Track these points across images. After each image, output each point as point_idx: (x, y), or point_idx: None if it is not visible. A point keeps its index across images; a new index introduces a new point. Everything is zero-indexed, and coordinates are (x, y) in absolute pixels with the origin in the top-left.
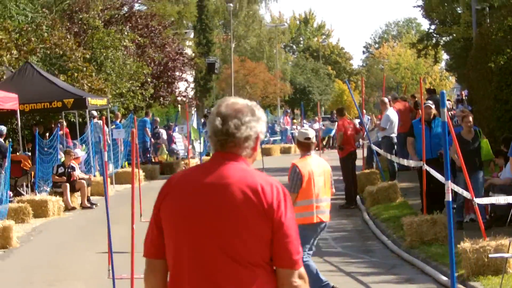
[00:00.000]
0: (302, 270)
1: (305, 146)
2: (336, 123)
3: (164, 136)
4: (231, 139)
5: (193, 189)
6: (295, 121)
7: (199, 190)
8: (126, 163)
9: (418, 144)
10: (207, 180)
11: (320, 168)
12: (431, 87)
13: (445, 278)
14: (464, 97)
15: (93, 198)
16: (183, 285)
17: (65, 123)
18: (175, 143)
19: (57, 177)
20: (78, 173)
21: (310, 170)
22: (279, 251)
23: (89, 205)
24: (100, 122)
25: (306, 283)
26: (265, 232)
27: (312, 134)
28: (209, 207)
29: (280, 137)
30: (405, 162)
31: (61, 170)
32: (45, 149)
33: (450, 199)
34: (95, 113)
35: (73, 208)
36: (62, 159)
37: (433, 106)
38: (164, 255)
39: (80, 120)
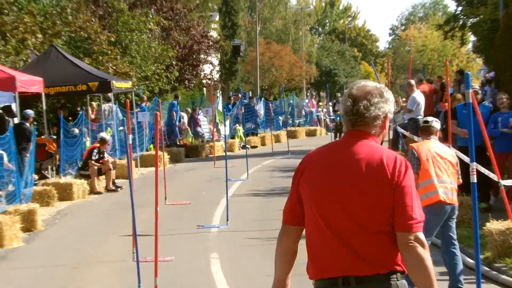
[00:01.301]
0: (419, 234)
1: (424, 130)
2: None
3: (185, 119)
4: (361, 119)
5: (326, 164)
6: (320, 103)
7: (331, 165)
8: (152, 146)
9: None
10: (338, 156)
11: (443, 153)
12: (458, 69)
13: (471, 261)
14: (487, 79)
15: (118, 181)
16: (318, 248)
17: (95, 106)
18: (200, 126)
19: (94, 162)
20: (106, 157)
21: (428, 151)
22: (398, 217)
23: (114, 188)
24: (106, 106)
25: (424, 248)
26: (389, 200)
27: (431, 118)
28: (340, 180)
29: (305, 119)
30: None
31: (97, 156)
32: (71, 131)
33: (475, 181)
34: (111, 96)
35: (99, 193)
36: (87, 142)
37: (480, 91)
38: (299, 223)
39: (99, 103)
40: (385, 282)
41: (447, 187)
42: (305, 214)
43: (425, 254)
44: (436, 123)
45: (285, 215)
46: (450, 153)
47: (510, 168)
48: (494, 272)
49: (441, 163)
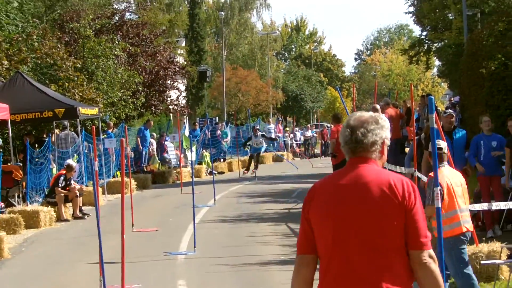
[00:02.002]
0: (431, 251)
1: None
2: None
3: (154, 145)
4: (360, 145)
5: (335, 190)
6: (287, 128)
7: (340, 191)
8: (118, 172)
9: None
10: (346, 182)
11: (456, 178)
12: (424, 94)
13: None
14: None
15: (85, 208)
16: (331, 275)
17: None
18: (167, 152)
19: (61, 190)
20: (73, 184)
21: (448, 181)
22: (411, 236)
23: (81, 215)
24: (62, 134)
25: (435, 263)
26: (400, 221)
27: (443, 144)
28: (350, 204)
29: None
30: (397, 169)
31: (64, 183)
32: (36, 159)
33: (439, 206)
34: (66, 123)
35: (66, 220)
36: (53, 169)
37: (454, 114)
38: (313, 251)
39: (72, 129)
40: None
41: (466, 215)
42: (316, 241)
43: (438, 269)
44: (445, 148)
45: (300, 245)
46: (461, 177)
47: (495, 193)
48: None
49: (458, 191)
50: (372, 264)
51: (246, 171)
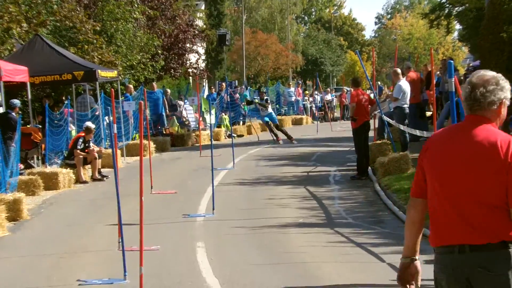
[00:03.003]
0: None
1: None
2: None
3: (183, 107)
4: (477, 104)
5: (448, 143)
6: (306, 92)
7: (452, 144)
8: (137, 135)
9: None
10: (458, 137)
11: None
12: (444, 58)
13: None
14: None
15: (104, 170)
16: (439, 222)
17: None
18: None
19: (80, 152)
20: (92, 146)
21: None
22: (510, 194)
23: (99, 177)
24: (80, 98)
25: None
26: (502, 179)
27: None
28: (459, 158)
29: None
30: (417, 132)
31: (82, 145)
32: (55, 121)
33: None
34: (87, 86)
35: (85, 182)
36: (72, 132)
37: None
38: (423, 195)
39: (91, 92)
40: (496, 250)
41: None
42: (428, 188)
43: None
44: None
45: (413, 188)
46: None
47: None
48: None
49: None
50: (475, 213)
51: (278, 139)
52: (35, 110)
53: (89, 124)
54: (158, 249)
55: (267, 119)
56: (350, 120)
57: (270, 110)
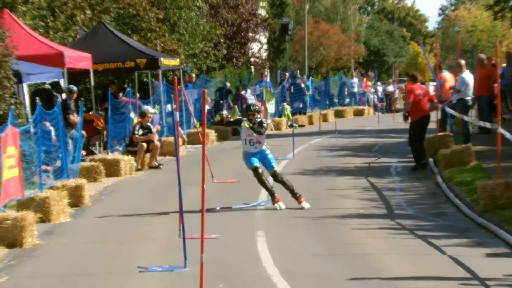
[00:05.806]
0: None
1: None
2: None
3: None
4: None
5: None
6: (369, 83)
7: None
8: (198, 124)
9: None
10: None
11: None
12: (508, 50)
13: None
14: None
15: (166, 159)
16: None
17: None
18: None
19: (139, 137)
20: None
21: None
22: None
23: (156, 165)
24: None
25: None
26: None
27: None
28: None
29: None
30: (481, 123)
31: (141, 131)
32: (118, 108)
33: None
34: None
35: (140, 169)
36: (134, 119)
37: None
38: None
39: (153, 80)
40: None
41: None
42: None
43: None
44: None
45: None
46: None
47: None
48: None
49: None
50: None
51: (274, 200)
52: (98, 97)
53: (144, 108)
54: (218, 238)
55: (256, 161)
56: (403, 117)
57: (264, 144)
